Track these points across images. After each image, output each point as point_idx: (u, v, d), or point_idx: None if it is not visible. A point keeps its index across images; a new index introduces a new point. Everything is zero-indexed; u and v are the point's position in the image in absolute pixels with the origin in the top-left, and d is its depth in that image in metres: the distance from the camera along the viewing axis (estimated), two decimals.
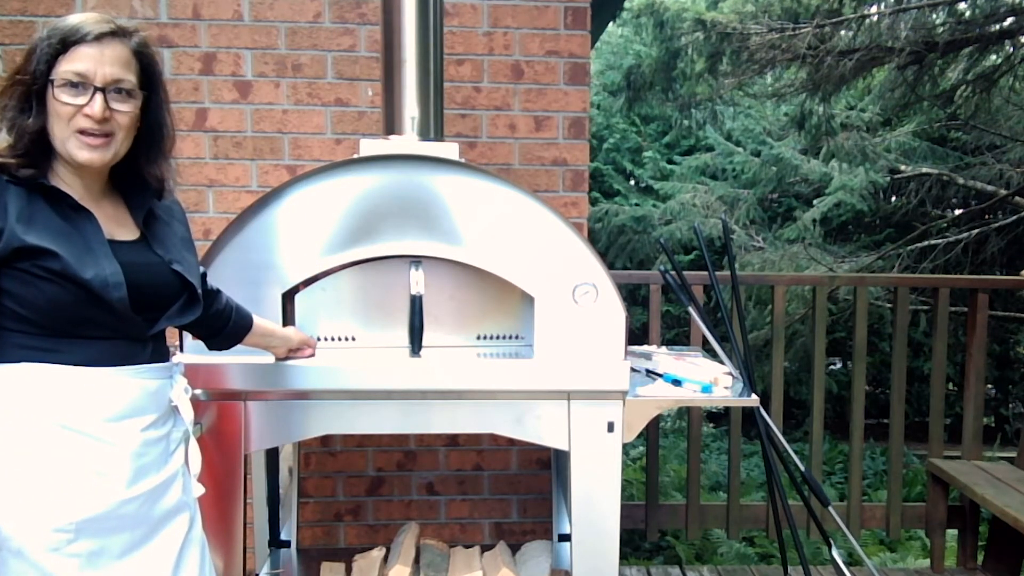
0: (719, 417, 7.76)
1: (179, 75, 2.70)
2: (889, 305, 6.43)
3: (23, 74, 1.32)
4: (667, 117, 9.36)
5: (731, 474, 3.17)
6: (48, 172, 1.36)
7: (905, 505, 3.25)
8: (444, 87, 2.30)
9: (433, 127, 2.16)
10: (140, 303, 1.38)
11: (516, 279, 1.95)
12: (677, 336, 7.84)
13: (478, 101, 2.79)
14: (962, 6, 6.50)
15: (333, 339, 2.09)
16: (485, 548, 2.45)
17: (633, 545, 4.80)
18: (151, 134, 1.44)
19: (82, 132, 1.33)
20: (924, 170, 7.95)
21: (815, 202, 7.97)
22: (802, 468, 2.60)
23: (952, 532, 3.36)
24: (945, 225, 7.99)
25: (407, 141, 2.12)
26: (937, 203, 8.20)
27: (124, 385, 1.38)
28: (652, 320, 3.13)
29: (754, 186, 8.56)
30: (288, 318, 1.97)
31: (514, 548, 2.51)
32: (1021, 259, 7.78)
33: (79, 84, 1.32)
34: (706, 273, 2.68)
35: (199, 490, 1.57)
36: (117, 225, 1.43)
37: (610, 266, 3.26)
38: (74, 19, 1.34)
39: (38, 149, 1.34)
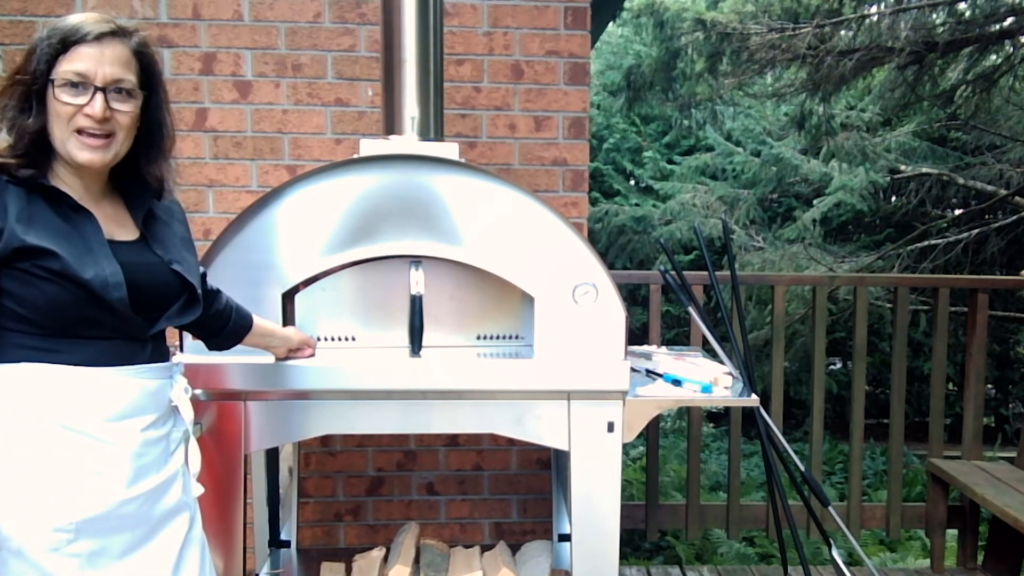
0: (719, 417, 7.75)
1: (179, 75, 2.70)
2: (889, 305, 6.43)
3: (23, 74, 1.32)
4: (667, 117, 9.36)
5: (731, 474, 3.17)
6: (48, 172, 1.36)
7: (905, 505, 3.25)
8: (444, 87, 2.30)
9: (433, 127, 2.16)
10: (140, 303, 1.38)
11: (516, 279, 1.95)
12: (677, 336, 7.85)
13: (478, 101, 2.79)
14: (962, 6, 6.50)
15: (333, 339, 2.09)
16: (485, 548, 2.45)
17: (633, 545, 4.79)
18: (151, 134, 1.44)
19: (82, 132, 1.33)
20: (924, 170, 7.95)
21: (815, 202, 7.97)
22: (802, 468, 2.60)
23: (952, 532, 3.36)
24: (945, 225, 7.99)
25: (407, 141, 2.12)
26: (937, 203, 8.20)
27: (124, 385, 1.38)
28: (652, 320, 3.13)
29: (754, 186, 8.56)
30: (288, 318, 1.97)
31: (514, 548, 2.51)
32: (1021, 259, 7.78)
33: (79, 84, 1.32)
34: (706, 273, 2.68)
35: (199, 490, 1.57)
36: (117, 225, 1.43)
37: (610, 266, 3.27)
38: (74, 19, 1.34)
39: (38, 149, 1.34)
